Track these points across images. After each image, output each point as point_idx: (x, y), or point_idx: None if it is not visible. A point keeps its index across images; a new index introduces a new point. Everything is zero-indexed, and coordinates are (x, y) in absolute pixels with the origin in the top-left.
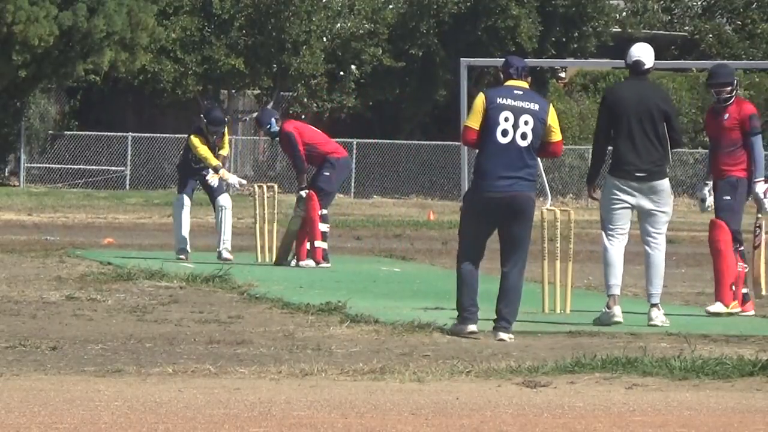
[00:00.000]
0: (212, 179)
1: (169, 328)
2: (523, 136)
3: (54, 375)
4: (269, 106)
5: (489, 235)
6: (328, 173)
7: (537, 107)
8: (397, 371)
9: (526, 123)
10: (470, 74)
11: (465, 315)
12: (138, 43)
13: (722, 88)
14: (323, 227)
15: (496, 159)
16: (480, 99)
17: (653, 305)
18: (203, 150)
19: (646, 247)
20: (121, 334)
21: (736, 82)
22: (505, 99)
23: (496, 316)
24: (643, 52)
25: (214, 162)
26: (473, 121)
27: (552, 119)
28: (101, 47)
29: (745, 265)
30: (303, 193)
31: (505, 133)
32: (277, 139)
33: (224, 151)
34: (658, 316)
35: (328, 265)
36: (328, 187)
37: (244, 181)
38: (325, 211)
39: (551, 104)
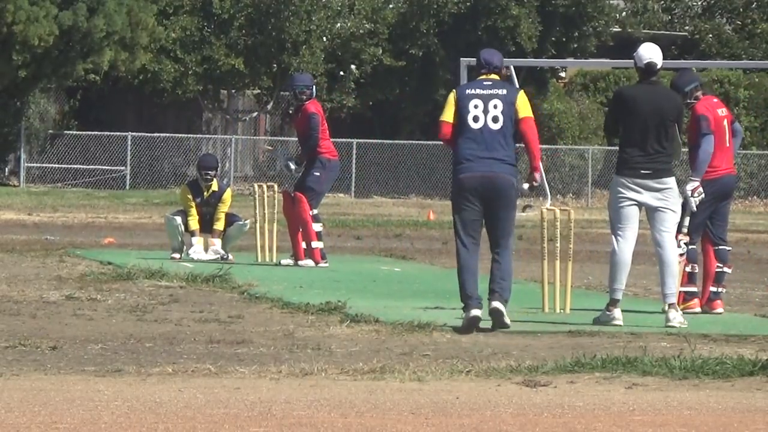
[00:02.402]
0: (193, 252)
1: (169, 328)
2: (495, 119)
3: (54, 375)
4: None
5: (480, 222)
6: (318, 173)
7: (505, 92)
8: (397, 371)
9: (495, 107)
10: (470, 74)
11: (468, 302)
12: (138, 43)
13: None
14: (317, 227)
15: (471, 143)
16: (452, 94)
17: (670, 306)
18: (190, 213)
19: (657, 248)
20: (121, 334)
21: (692, 87)
22: (474, 89)
23: (489, 293)
24: (654, 54)
25: (193, 226)
26: (447, 116)
27: (521, 100)
28: (101, 47)
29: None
30: (293, 166)
31: (476, 119)
32: (293, 108)
33: (219, 225)
34: (676, 317)
35: (327, 264)
36: (318, 188)
37: (225, 256)
38: (315, 211)
39: (522, 91)
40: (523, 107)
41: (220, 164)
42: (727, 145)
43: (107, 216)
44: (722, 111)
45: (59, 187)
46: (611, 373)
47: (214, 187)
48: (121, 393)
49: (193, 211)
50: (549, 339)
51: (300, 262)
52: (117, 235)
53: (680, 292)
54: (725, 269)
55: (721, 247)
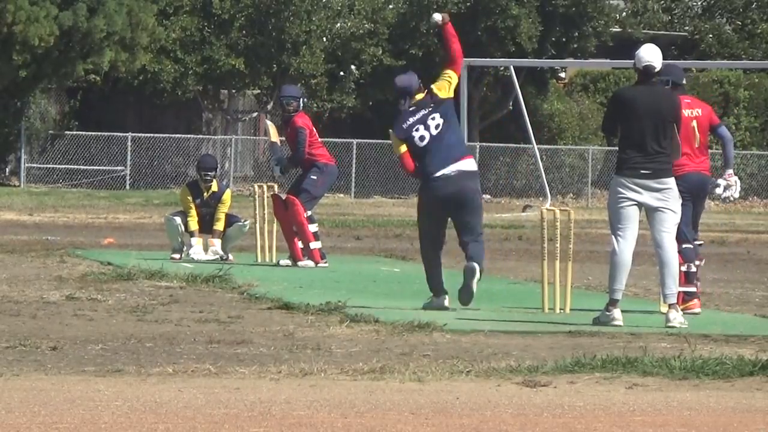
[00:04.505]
0: (194, 252)
1: (169, 328)
2: (437, 127)
3: (54, 375)
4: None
5: (443, 226)
6: (315, 177)
7: (431, 108)
8: (397, 371)
9: (432, 119)
10: (470, 74)
11: (437, 291)
12: (138, 43)
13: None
14: (313, 228)
15: (425, 160)
16: (393, 136)
17: (670, 306)
18: (190, 213)
19: (657, 248)
20: (121, 334)
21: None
22: (408, 120)
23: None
24: (653, 56)
25: (192, 227)
26: (401, 148)
27: (439, 89)
28: (101, 47)
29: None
30: (277, 174)
31: (422, 138)
32: (287, 115)
33: (219, 226)
34: (677, 318)
35: (327, 264)
36: (314, 191)
37: (225, 256)
38: (309, 213)
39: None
40: (442, 85)
41: (219, 165)
42: (697, 145)
43: (107, 216)
44: (690, 112)
45: (60, 188)
46: (611, 373)
47: (214, 187)
48: (121, 393)
49: (193, 211)
50: (549, 339)
51: (299, 263)
52: (117, 235)
53: (679, 292)
54: (692, 267)
55: (685, 246)
